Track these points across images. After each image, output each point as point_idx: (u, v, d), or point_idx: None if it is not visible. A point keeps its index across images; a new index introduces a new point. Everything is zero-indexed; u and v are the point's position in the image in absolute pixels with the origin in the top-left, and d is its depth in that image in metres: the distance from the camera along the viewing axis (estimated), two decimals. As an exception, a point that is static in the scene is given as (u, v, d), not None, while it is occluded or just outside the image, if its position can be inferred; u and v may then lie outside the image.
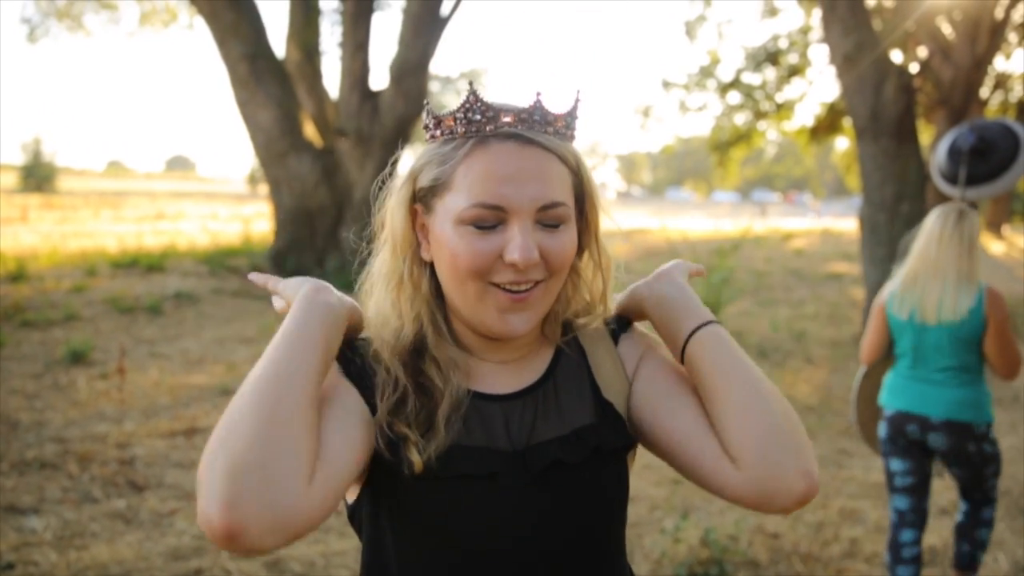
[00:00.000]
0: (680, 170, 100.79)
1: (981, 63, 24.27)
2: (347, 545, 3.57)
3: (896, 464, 2.97)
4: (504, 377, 1.05)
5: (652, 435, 1.06)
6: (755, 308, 10.01)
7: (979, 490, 2.96)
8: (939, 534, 3.80)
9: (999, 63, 27.79)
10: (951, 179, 6.13)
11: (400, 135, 9.85)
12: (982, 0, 21.71)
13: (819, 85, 27.82)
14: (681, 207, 61.68)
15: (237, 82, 9.50)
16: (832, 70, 8.65)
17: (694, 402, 1.04)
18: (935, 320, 2.84)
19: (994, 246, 26.27)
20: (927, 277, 2.91)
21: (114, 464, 4.45)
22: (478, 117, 0.96)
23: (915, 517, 2.97)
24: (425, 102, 1.07)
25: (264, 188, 10.26)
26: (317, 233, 10.04)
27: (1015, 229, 37.67)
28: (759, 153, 77.73)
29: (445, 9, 9.81)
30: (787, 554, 3.66)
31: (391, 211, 1.03)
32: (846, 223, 30.34)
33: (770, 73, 26.74)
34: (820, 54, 26.35)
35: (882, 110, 7.92)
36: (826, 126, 25.80)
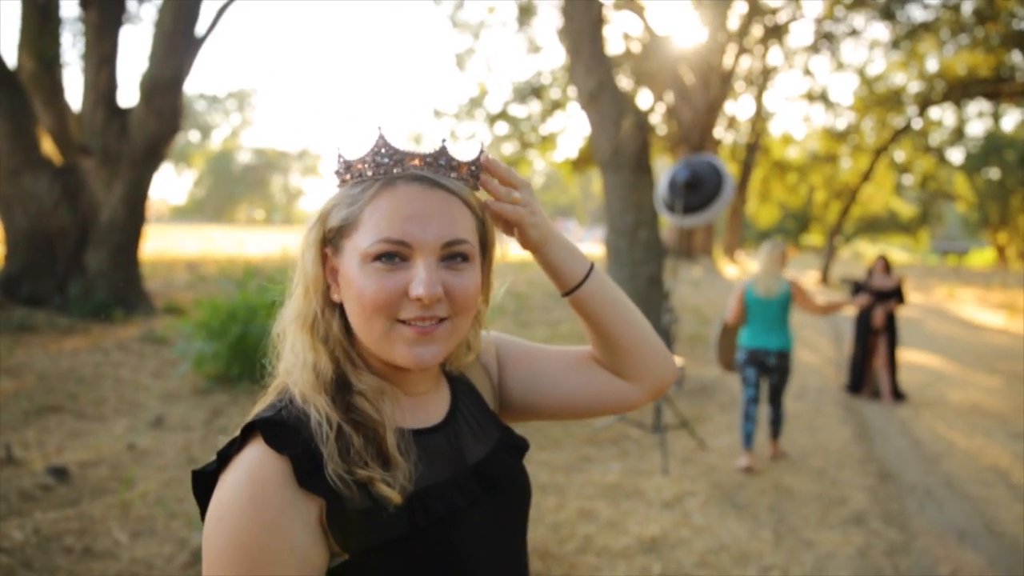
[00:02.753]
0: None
1: (714, 107, 27.24)
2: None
3: (750, 372, 5.73)
4: (427, 409, 1.10)
5: (541, 407, 1.25)
6: (514, 328, 10.51)
7: (780, 394, 5.75)
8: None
9: (730, 107, 31.39)
10: (671, 208, 6.94)
11: (151, 155, 9.33)
12: (713, 51, 24.42)
13: (579, 119, 29.59)
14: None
15: (-42, 90, 8.57)
16: (578, 108, 9.35)
17: (553, 360, 1.26)
18: (769, 297, 5.68)
19: (728, 268, 29.39)
20: (765, 276, 5.73)
21: None
22: (386, 160, 0.99)
23: (755, 393, 5.70)
24: (338, 151, 1.04)
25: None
26: (57, 257, 9.23)
27: (747, 253, 42.56)
28: (528, 182, 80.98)
29: (201, 29, 9.47)
30: (525, 553, 3.93)
31: (302, 253, 1.04)
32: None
33: (535, 106, 28.28)
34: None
35: (621, 145, 8.69)
36: (586, 158, 27.71)
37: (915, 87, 26.13)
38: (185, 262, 17.07)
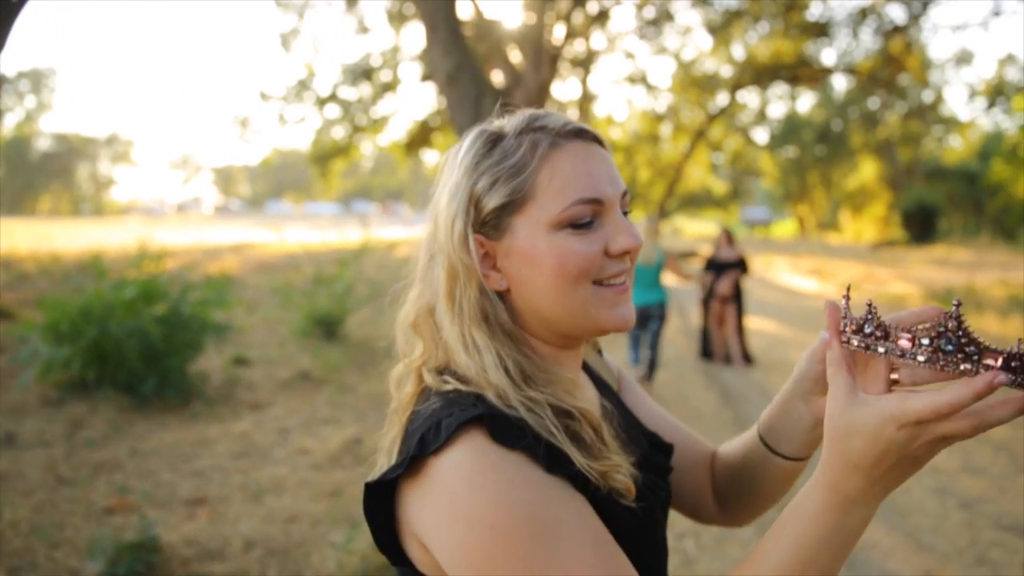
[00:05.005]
0: (280, 182, 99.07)
1: (544, 88, 27.83)
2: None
3: (635, 329, 7.04)
4: (588, 390, 1.05)
5: None
6: (375, 316, 10.32)
7: (658, 337, 7.28)
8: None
9: (559, 89, 32.20)
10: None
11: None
12: (540, 36, 24.95)
13: (410, 102, 29.27)
14: (282, 219, 60.66)
15: None
16: (434, 87, 9.25)
17: (678, 426, 1.22)
18: (648, 264, 7.10)
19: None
20: (643, 248, 6.15)
21: None
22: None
23: (636, 344, 7.33)
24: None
25: None
26: None
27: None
28: (357, 165, 79.68)
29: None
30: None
31: (451, 246, 0.93)
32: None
33: (365, 89, 27.65)
34: (410, 72, 27.95)
35: (481, 123, 8.70)
36: (419, 140, 27.47)
37: (727, 72, 27.95)
38: (-8, 260, 15.36)
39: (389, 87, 27.86)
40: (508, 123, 0.96)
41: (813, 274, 21.51)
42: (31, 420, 5.52)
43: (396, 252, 22.48)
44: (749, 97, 32.59)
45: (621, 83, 32.16)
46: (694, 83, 28.35)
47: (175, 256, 17.49)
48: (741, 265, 8.97)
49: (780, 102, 38.52)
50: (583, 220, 0.89)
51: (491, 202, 0.91)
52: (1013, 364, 0.65)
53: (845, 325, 0.77)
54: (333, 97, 27.88)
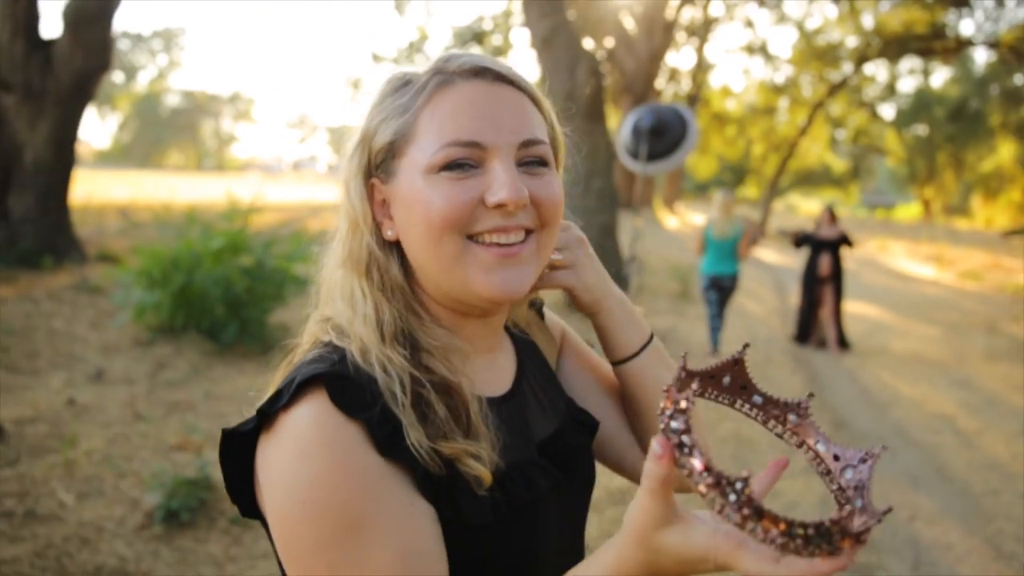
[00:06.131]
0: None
1: (656, 57, 27.17)
2: (19, 551, 3.14)
3: (711, 294, 7.47)
4: (496, 372, 0.95)
5: None
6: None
7: (725, 306, 7.51)
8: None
9: (672, 58, 31.39)
10: (634, 155, 6.82)
11: (79, 92, 8.73)
12: (656, 0, 24.24)
13: (521, 67, 29.06)
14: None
15: None
16: (533, 52, 9.10)
17: (614, 402, 1.08)
18: (724, 238, 7.27)
19: (669, 219, 29.65)
20: (720, 222, 7.30)
21: None
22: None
23: (717, 310, 7.49)
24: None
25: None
26: (-25, 201, 8.64)
27: (686, 205, 43.00)
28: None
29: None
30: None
31: (345, 185, 0.87)
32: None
33: (476, 52, 27.76)
34: (521, 37, 27.81)
35: (575, 91, 8.52)
36: (528, 106, 27.40)
37: (852, 42, 26.46)
38: (116, 208, 16.30)
39: (500, 51, 27.91)
40: (428, 63, 0.88)
41: (931, 261, 20.31)
42: (121, 358, 5.80)
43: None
44: (877, 70, 30.84)
45: (738, 52, 31.08)
46: (816, 54, 27.00)
47: (281, 212, 18.08)
48: (842, 244, 8.49)
49: (911, 76, 36.27)
50: (458, 163, 0.81)
51: (378, 143, 0.85)
52: (798, 532, 0.57)
53: (668, 407, 0.65)
54: (444, 60, 28.16)
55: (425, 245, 0.83)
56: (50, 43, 8.63)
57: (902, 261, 20.34)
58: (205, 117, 78.66)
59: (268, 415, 0.77)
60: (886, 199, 65.57)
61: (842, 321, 8.51)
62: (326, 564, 0.71)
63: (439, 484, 0.78)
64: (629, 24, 26.63)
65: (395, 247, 0.87)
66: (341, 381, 0.77)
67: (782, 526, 0.58)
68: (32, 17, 8.59)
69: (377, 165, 0.86)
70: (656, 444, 0.63)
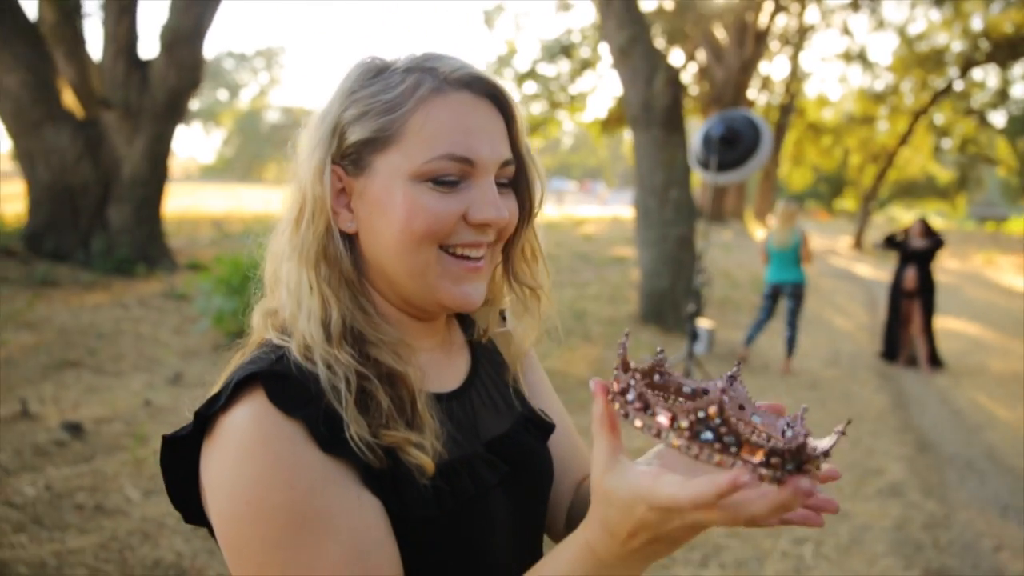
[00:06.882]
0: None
1: (748, 66, 26.60)
2: (85, 542, 3.28)
3: (767, 301, 7.51)
4: (444, 370, 0.94)
5: None
6: (542, 289, 10.34)
7: (795, 316, 7.39)
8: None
9: (764, 68, 30.69)
10: (704, 164, 6.67)
11: (173, 108, 9.18)
12: (748, 9, 23.77)
13: (609, 79, 29.08)
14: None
15: (-24, 41, 8.45)
16: (611, 62, 9.05)
17: (568, 433, 1.08)
18: (784, 247, 7.32)
19: (759, 232, 28.90)
20: (779, 232, 7.38)
21: None
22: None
23: (765, 317, 7.54)
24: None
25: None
26: (80, 212, 9.15)
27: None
28: (556, 143, 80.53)
29: (222, -22, 9.27)
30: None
31: (306, 174, 0.84)
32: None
33: (564, 65, 27.77)
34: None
35: (653, 101, 8.40)
36: (616, 118, 27.21)
37: (958, 47, 25.23)
38: (211, 220, 17.03)
39: (588, 64, 27.83)
40: (401, 57, 0.87)
41: (1043, 276, 19.10)
42: (199, 362, 6.03)
43: (582, 230, 22.51)
44: (986, 76, 29.27)
45: (835, 60, 30.11)
46: (918, 59, 25.85)
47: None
48: (932, 254, 8.07)
49: (1024, 82, 34.26)
50: (446, 177, 0.81)
51: (355, 134, 0.83)
52: (772, 460, 0.57)
53: (613, 381, 0.66)
54: (532, 73, 28.29)
55: (397, 251, 0.83)
56: (147, 63, 9.11)
57: (1009, 276, 19.20)
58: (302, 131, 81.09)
59: (206, 418, 0.76)
60: (997, 211, 62.09)
61: (934, 338, 8.07)
62: (276, 564, 0.71)
63: (383, 477, 0.77)
64: (720, 34, 26.17)
65: (349, 239, 0.86)
66: (279, 379, 0.76)
67: (760, 454, 0.57)
68: (132, 39, 9.09)
69: (345, 155, 0.84)
70: (592, 384, 0.65)
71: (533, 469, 0.95)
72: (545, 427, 1.00)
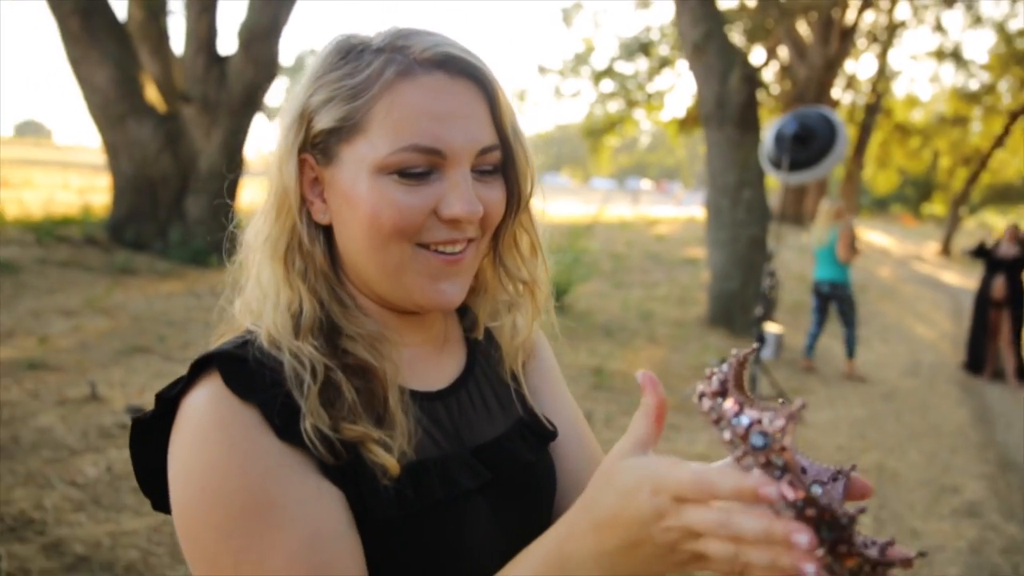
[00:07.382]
0: (558, 156, 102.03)
1: (832, 64, 25.78)
2: (139, 524, 3.35)
3: (815, 299, 7.43)
4: (431, 368, 0.89)
5: None
6: (609, 289, 10.21)
7: (847, 315, 7.21)
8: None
9: (850, 66, 29.68)
10: (776, 164, 6.44)
11: (249, 103, 9.39)
12: (834, 5, 23.02)
13: (687, 77, 28.59)
14: (559, 192, 62.48)
15: (68, 38, 8.76)
16: (685, 59, 8.87)
17: (581, 441, 0.99)
18: (821, 245, 7.28)
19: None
20: (816, 230, 7.41)
21: None
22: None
23: (819, 317, 7.41)
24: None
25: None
26: (159, 203, 9.46)
27: (862, 222, 40.38)
28: (633, 142, 79.77)
29: (301, -24, 9.44)
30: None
31: (275, 163, 0.81)
32: (709, 212, 31.53)
33: (642, 63, 27.42)
34: (687, 47, 27.24)
35: (727, 99, 8.19)
36: (694, 118, 26.72)
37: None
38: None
39: (667, 62, 27.41)
40: (380, 33, 0.81)
41: None
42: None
43: (655, 230, 22.20)
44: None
45: (926, 59, 28.90)
46: (1017, 57, 24.60)
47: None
48: (1022, 263, 7.63)
49: None
50: (413, 169, 0.76)
51: (321, 122, 0.78)
52: (807, 511, 0.50)
53: (712, 382, 0.60)
54: (609, 71, 28.03)
55: (367, 248, 0.78)
56: (225, 59, 9.35)
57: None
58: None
59: (168, 400, 0.75)
60: (1101, 219, 58.74)
61: (1023, 350, 7.63)
62: (230, 552, 0.68)
63: (343, 472, 0.74)
64: (803, 30, 25.42)
65: (323, 230, 0.83)
66: (235, 362, 0.74)
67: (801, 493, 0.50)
68: (212, 35, 9.35)
69: (315, 144, 0.80)
70: (640, 376, 0.62)
71: (523, 477, 0.89)
72: (545, 434, 0.94)
